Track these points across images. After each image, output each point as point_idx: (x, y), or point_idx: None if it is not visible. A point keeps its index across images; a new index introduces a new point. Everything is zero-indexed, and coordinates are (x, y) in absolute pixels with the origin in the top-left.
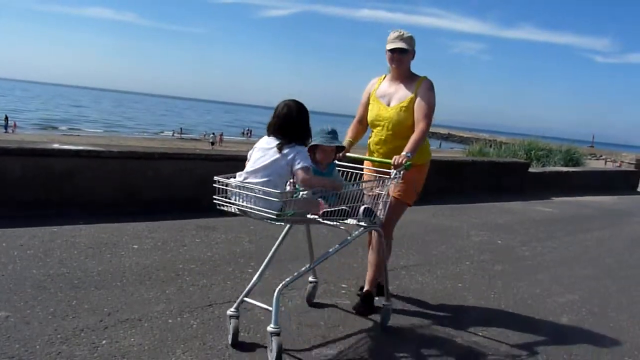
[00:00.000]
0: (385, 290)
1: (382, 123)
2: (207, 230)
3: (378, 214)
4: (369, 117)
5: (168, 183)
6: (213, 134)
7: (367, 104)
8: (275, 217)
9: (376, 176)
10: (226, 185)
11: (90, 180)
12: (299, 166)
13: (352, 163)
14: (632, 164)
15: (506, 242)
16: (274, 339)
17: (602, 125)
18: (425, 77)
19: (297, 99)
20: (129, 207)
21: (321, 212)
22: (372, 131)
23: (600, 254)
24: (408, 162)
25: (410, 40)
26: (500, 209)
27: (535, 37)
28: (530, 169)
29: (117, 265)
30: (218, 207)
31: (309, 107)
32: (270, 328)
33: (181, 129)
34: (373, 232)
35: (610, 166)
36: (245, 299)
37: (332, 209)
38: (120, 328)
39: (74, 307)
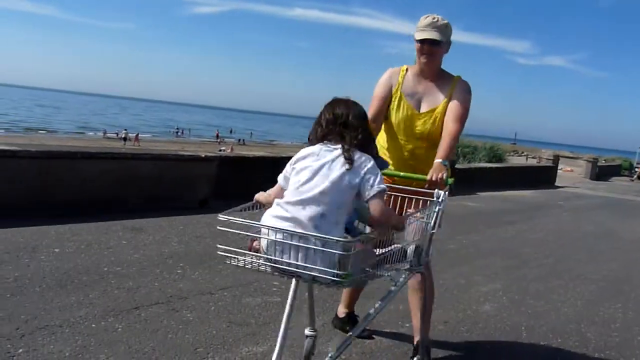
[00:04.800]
0: (421, 348)
1: (412, 131)
2: (134, 232)
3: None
4: (393, 120)
5: (92, 183)
6: (125, 130)
7: (387, 99)
8: (341, 280)
9: (419, 199)
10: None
11: (5, 182)
12: (376, 190)
13: None
14: (549, 159)
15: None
16: None
17: (523, 123)
18: (460, 77)
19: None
20: (50, 209)
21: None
22: (389, 140)
23: (519, 245)
24: (450, 178)
25: (445, 29)
26: None
27: (463, 39)
28: (456, 166)
29: (36, 270)
30: (229, 262)
31: (240, 106)
32: None
33: (105, 130)
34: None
35: (531, 162)
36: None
37: (384, 252)
38: (39, 335)
39: None
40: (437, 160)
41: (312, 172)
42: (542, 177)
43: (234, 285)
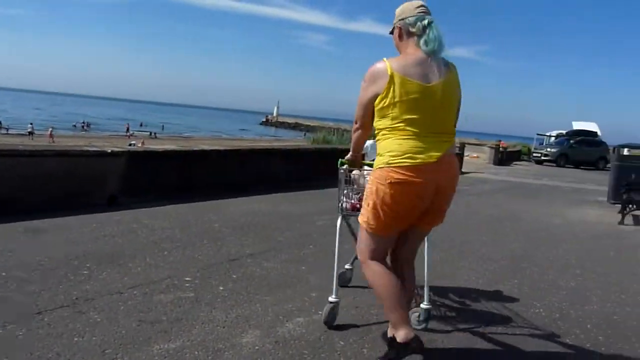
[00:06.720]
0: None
1: None
2: (37, 233)
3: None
4: None
5: None
6: (31, 124)
7: None
8: None
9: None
10: None
11: None
12: None
13: None
14: (456, 147)
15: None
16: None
17: None
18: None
19: None
20: None
21: None
22: None
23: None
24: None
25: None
26: None
27: (374, 30)
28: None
29: None
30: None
31: (151, 99)
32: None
33: (0, 122)
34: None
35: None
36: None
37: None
38: None
39: None
40: None
41: None
42: None
43: (144, 283)
